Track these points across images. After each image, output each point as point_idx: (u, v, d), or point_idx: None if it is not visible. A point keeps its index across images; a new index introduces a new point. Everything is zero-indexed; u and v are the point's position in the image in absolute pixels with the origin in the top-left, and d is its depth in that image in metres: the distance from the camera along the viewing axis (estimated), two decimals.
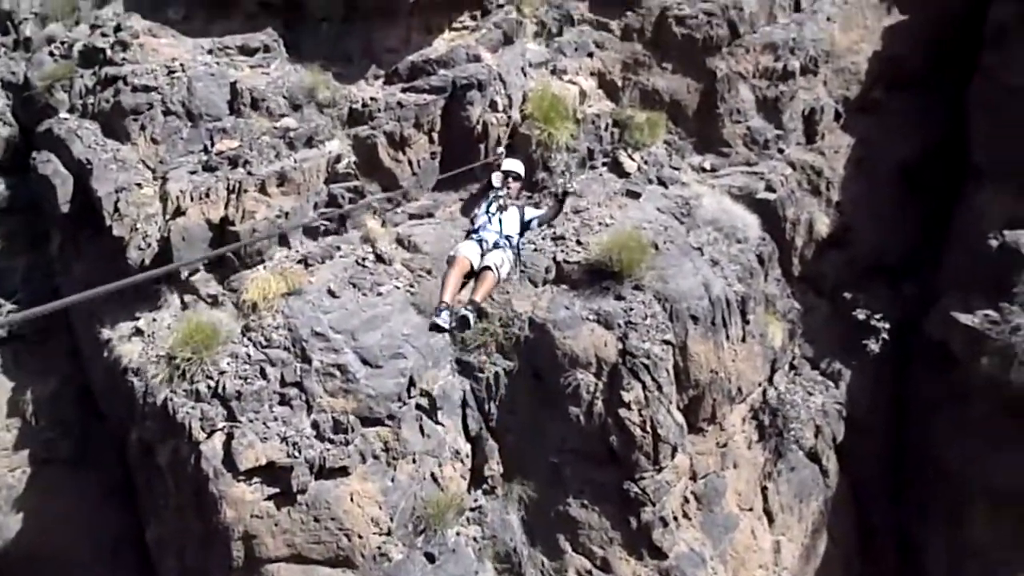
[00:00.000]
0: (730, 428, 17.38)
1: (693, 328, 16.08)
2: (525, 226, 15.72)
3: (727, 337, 16.71)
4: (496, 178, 15.90)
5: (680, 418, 16.03)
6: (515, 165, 16.08)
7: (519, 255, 15.29)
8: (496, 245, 15.08)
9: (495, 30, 18.41)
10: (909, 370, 20.45)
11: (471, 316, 14.14)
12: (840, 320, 20.57)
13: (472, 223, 15.84)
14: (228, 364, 14.60)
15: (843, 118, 21.18)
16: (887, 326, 19.99)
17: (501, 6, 18.88)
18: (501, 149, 17.11)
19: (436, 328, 14.22)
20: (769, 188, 19.61)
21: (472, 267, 14.70)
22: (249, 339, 14.95)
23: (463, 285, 14.80)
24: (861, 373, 20.19)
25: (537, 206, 17.10)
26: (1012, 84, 18.96)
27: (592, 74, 19.46)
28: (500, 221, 15.40)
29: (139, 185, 15.99)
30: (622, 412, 15.24)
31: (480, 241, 15.14)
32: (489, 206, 15.64)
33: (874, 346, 19.95)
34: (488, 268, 14.56)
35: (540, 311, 15.65)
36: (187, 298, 15.66)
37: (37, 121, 17.73)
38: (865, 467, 20.37)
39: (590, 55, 19.37)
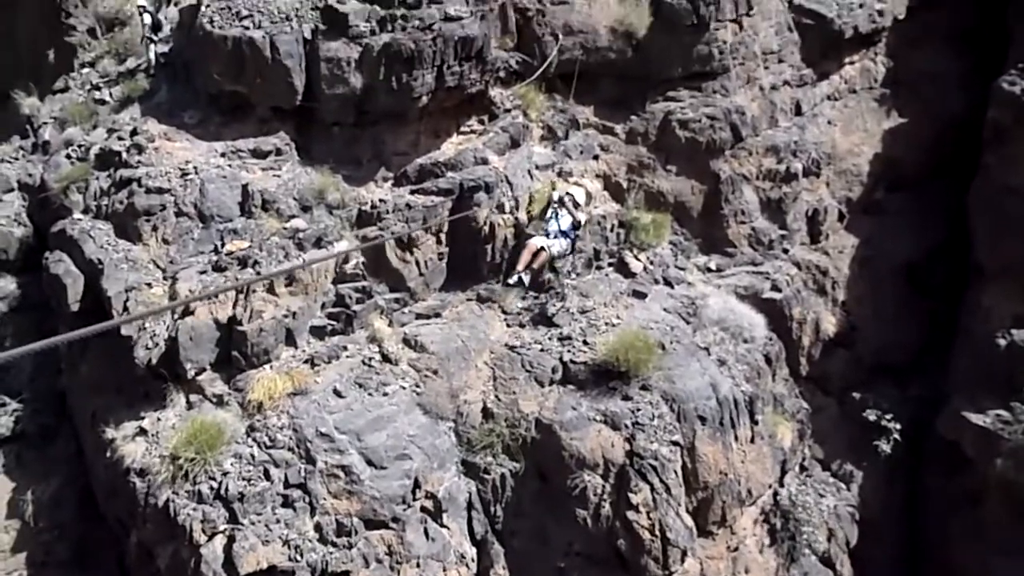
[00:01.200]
0: (741, 531, 17.04)
1: (701, 429, 15.94)
2: (575, 226, 17.39)
3: (736, 438, 16.55)
4: (556, 194, 17.75)
5: (689, 521, 15.74)
6: (574, 191, 17.86)
7: (574, 244, 17.59)
8: (555, 236, 17.18)
9: (502, 134, 18.82)
10: (921, 471, 20.18)
11: (525, 278, 16.80)
12: (850, 420, 20.44)
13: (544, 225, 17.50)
14: (232, 465, 14.47)
15: (846, 219, 21.47)
16: (898, 426, 19.84)
17: (508, 111, 19.33)
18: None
19: (508, 285, 17.30)
20: (775, 288, 19.75)
21: (540, 247, 16.97)
22: (254, 439, 14.85)
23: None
24: (873, 474, 19.93)
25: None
26: (1012, 184, 19.25)
27: (598, 176, 19.83)
28: (558, 220, 17.26)
29: (149, 285, 16.15)
30: (630, 515, 14.99)
31: (546, 233, 17.21)
32: (555, 213, 17.44)
33: (885, 447, 19.76)
34: (542, 248, 16.94)
35: (547, 412, 15.58)
36: (193, 398, 15.62)
37: (51, 222, 18.04)
38: (879, 572, 19.89)
39: (595, 158, 19.76)
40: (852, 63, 22.13)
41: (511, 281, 17.12)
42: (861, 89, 22.29)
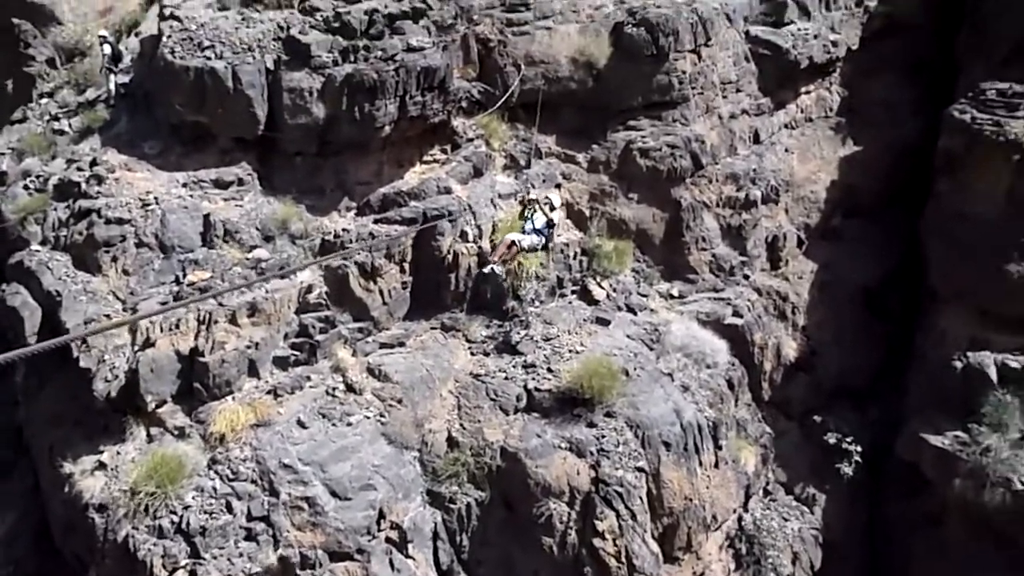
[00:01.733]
0: (706, 557, 17.11)
1: (666, 455, 16.03)
2: (549, 224, 17.76)
3: (700, 463, 16.66)
4: (533, 194, 18.54)
5: (655, 547, 15.80)
6: (551, 194, 18.48)
7: (547, 242, 17.85)
8: (529, 232, 17.61)
9: (465, 163, 18.93)
10: (882, 493, 20.38)
11: (498, 269, 17.43)
12: (811, 444, 20.63)
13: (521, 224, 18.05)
14: (193, 498, 14.28)
15: (805, 245, 21.81)
16: (859, 449, 20.06)
17: (471, 140, 19.46)
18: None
19: (483, 275, 17.80)
20: (736, 313, 19.98)
21: (514, 243, 17.42)
22: (216, 472, 14.69)
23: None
24: (835, 497, 20.10)
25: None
26: (963, 211, 19.66)
27: (560, 204, 19.92)
28: (532, 220, 17.71)
29: (108, 316, 15.93)
30: (596, 542, 15.01)
31: (523, 230, 17.67)
32: (531, 213, 17.88)
33: (847, 469, 19.95)
34: (514, 241, 17.35)
35: (512, 440, 15.59)
36: (153, 430, 15.41)
37: (8, 254, 17.77)
38: None
39: (558, 186, 19.91)
40: (808, 92, 22.58)
41: (484, 271, 17.73)
42: (817, 118, 22.74)
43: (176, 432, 15.34)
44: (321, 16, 18.41)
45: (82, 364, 15.36)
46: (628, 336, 18.08)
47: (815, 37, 21.89)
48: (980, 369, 19.01)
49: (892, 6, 23.05)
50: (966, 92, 20.33)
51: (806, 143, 22.47)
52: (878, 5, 23.04)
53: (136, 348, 15.50)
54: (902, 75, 23.18)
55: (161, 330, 15.51)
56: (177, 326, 15.60)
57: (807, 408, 20.90)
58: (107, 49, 20.10)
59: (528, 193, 18.90)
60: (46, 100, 21.82)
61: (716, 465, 17.12)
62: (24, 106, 21.82)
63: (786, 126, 22.24)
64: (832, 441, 20.18)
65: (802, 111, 22.53)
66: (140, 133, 18.79)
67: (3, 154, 20.46)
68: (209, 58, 17.74)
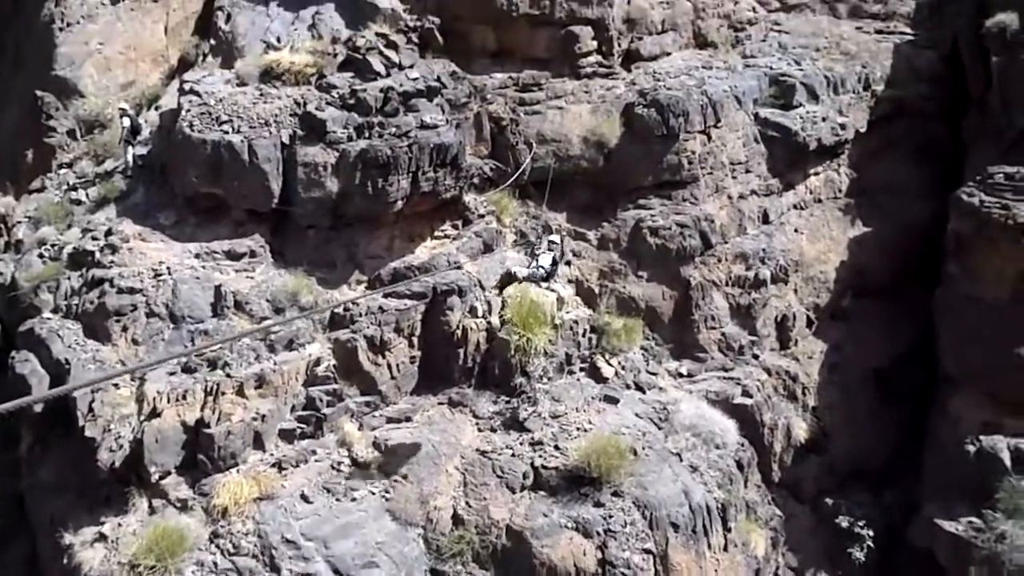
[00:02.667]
0: None
1: (674, 536, 15.76)
2: (554, 261, 19.19)
3: (709, 546, 16.35)
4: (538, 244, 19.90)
5: None
6: (554, 236, 19.79)
7: (548, 276, 19.04)
8: (532, 267, 18.89)
9: (475, 239, 19.09)
10: None
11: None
12: (823, 527, 20.27)
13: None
14: (193, 573, 14.08)
15: (815, 325, 21.77)
16: (871, 534, 19.69)
17: (482, 216, 19.66)
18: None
19: None
20: (746, 393, 19.85)
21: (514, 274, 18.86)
22: (217, 546, 14.50)
23: None
24: None
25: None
26: (974, 294, 19.65)
27: (570, 281, 20.09)
28: (537, 257, 18.99)
29: (116, 386, 15.91)
30: None
31: (527, 266, 19.01)
32: (539, 251, 19.22)
33: (859, 554, 19.57)
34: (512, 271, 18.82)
35: (518, 518, 15.37)
36: (156, 502, 15.25)
37: (20, 321, 17.83)
38: None
39: (568, 263, 20.05)
40: (817, 174, 22.79)
41: None
42: (826, 199, 22.89)
43: (179, 504, 15.17)
44: (337, 93, 18.81)
45: (87, 433, 15.28)
46: (637, 414, 17.96)
47: (823, 120, 22.19)
48: (993, 453, 18.78)
49: (899, 90, 23.40)
50: (974, 175, 20.49)
51: (815, 224, 22.58)
52: (885, 88, 23.39)
53: (142, 418, 15.43)
54: (910, 157, 23.41)
55: (168, 400, 15.48)
56: (184, 397, 15.56)
57: (819, 491, 20.60)
58: (127, 122, 20.48)
59: (539, 238, 19.80)
60: (65, 170, 22.16)
61: (725, 548, 16.80)
62: (43, 176, 22.15)
63: (795, 207, 22.38)
64: (844, 525, 19.83)
65: (811, 192, 22.71)
66: (156, 204, 19.04)
67: (20, 222, 20.70)
68: (226, 132, 18.09)
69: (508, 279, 18.90)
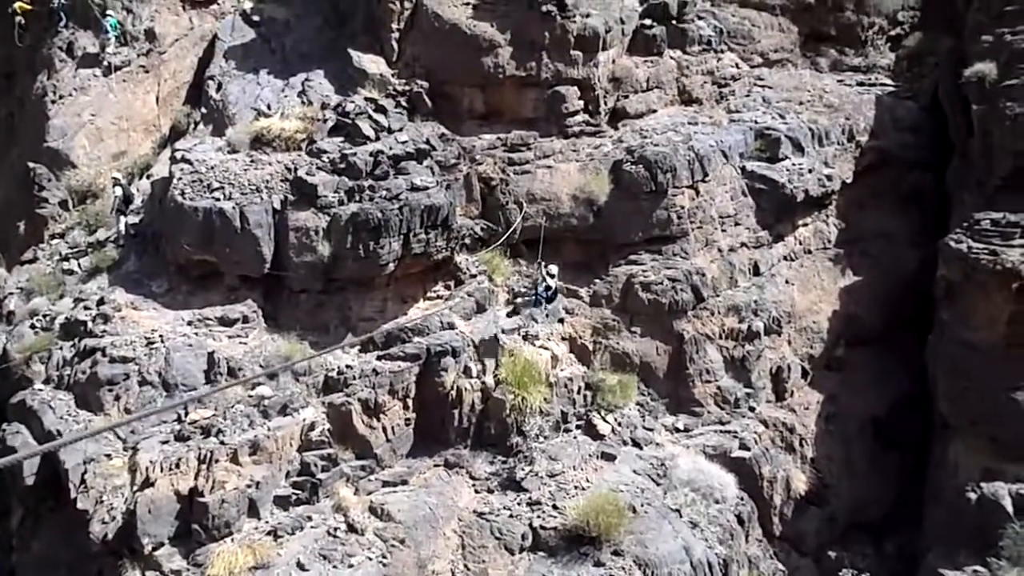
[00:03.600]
0: None
1: None
2: (550, 289, 19.97)
3: None
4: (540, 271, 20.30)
5: None
6: (551, 268, 20.20)
7: (548, 301, 19.91)
8: (533, 294, 19.82)
9: (468, 299, 19.13)
10: None
11: None
12: None
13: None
14: None
15: (810, 375, 21.73)
16: None
17: (474, 276, 19.74)
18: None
19: None
20: (743, 446, 19.74)
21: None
22: None
23: None
24: None
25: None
26: (968, 339, 19.66)
27: (563, 339, 20.07)
28: (536, 285, 19.68)
29: (108, 456, 15.82)
30: None
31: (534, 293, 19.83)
32: (541, 281, 19.84)
33: None
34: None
35: None
36: (149, 574, 15.00)
37: (11, 392, 17.74)
38: None
39: (561, 321, 20.07)
40: (805, 225, 22.95)
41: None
42: (816, 249, 23.02)
43: None
44: (327, 158, 19.01)
45: (80, 505, 15.15)
46: (634, 471, 17.87)
47: (809, 171, 22.41)
48: (995, 500, 18.66)
49: (882, 140, 23.68)
50: (960, 222, 20.66)
51: (806, 274, 22.68)
52: (869, 139, 23.67)
53: (135, 488, 15.29)
54: (897, 206, 23.61)
55: (161, 470, 15.35)
56: (177, 465, 15.44)
57: (820, 543, 20.37)
58: (119, 191, 20.61)
59: (540, 267, 20.33)
60: (57, 240, 22.21)
61: None
62: (35, 246, 22.20)
63: (785, 258, 22.50)
64: None
65: (800, 243, 22.85)
66: (148, 272, 19.11)
67: (12, 293, 20.70)
68: (218, 199, 18.25)
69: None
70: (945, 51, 24.24)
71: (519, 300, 20.16)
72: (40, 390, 17.39)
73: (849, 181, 23.30)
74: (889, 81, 25.37)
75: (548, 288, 19.74)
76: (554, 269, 20.05)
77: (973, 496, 18.99)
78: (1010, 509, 18.41)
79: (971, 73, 21.58)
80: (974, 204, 21.09)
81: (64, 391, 17.24)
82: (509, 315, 19.83)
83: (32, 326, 19.05)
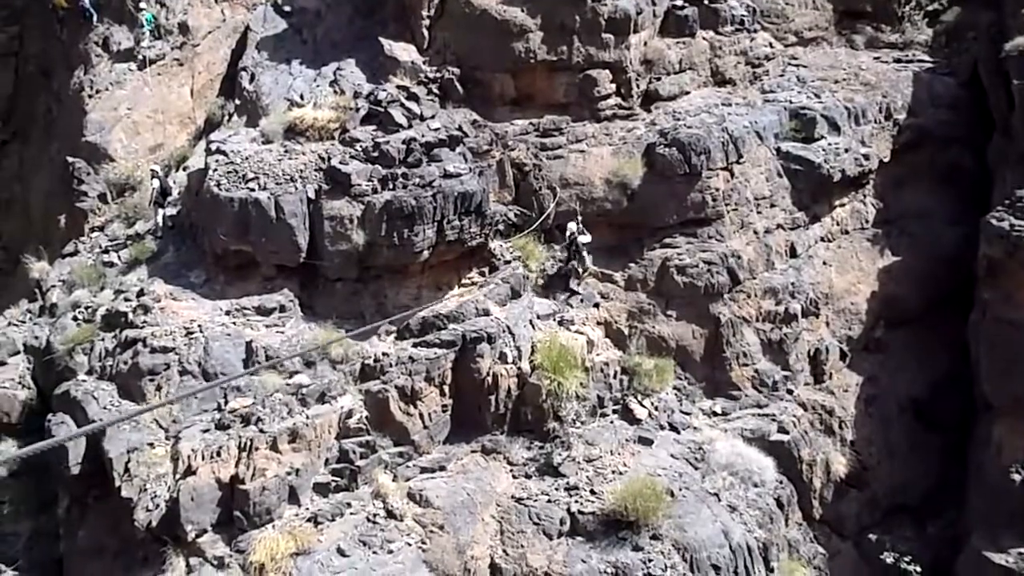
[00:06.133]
0: None
1: None
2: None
3: None
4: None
5: None
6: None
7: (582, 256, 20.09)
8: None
9: (503, 285, 19.12)
10: None
11: None
12: (868, 564, 19.82)
13: None
14: None
15: (849, 357, 21.49)
16: (918, 569, 19.20)
17: (508, 262, 19.72)
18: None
19: None
20: (782, 430, 19.58)
21: None
22: None
23: None
24: None
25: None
26: (1011, 318, 19.33)
27: (599, 324, 20.01)
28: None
29: (151, 445, 16.06)
30: None
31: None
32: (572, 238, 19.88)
33: None
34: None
35: (556, 565, 15.25)
36: (193, 560, 15.26)
37: (55, 384, 18.07)
38: None
39: (596, 305, 20.01)
40: (843, 205, 22.66)
41: None
42: (853, 230, 22.73)
43: (215, 562, 15.18)
44: (360, 146, 19.08)
45: (124, 494, 15.41)
46: (672, 455, 17.81)
47: (846, 151, 22.11)
48: None
49: (921, 118, 23.30)
50: (1002, 199, 20.27)
51: (843, 255, 22.40)
52: (906, 117, 23.30)
53: (177, 476, 15.53)
54: (936, 184, 23.24)
55: (202, 458, 15.58)
56: (219, 454, 15.67)
57: (861, 526, 20.19)
58: (156, 183, 20.87)
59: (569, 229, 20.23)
60: (97, 233, 22.54)
61: None
62: (76, 240, 22.55)
63: (822, 239, 22.24)
64: (890, 560, 19.35)
65: (838, 224, 22.57)
66: (186, 263, 19.33)
67: (54, 286, 21.07)
68: (253, 189, 18.39)
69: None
70: (984, 25, 23.75)
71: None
72: (83, 381, 17.68)
73: (886, 160, 22.96)
74: (927, 57, 24.91)
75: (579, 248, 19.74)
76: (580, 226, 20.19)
77: (1017, 477, 18.71)
78: None
79: (1012, 47, 21.16)
80: (1016, 181, 20.67)
81: (107, 381, 17.52)
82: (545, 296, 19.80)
83: (74, 318, 19.35)
